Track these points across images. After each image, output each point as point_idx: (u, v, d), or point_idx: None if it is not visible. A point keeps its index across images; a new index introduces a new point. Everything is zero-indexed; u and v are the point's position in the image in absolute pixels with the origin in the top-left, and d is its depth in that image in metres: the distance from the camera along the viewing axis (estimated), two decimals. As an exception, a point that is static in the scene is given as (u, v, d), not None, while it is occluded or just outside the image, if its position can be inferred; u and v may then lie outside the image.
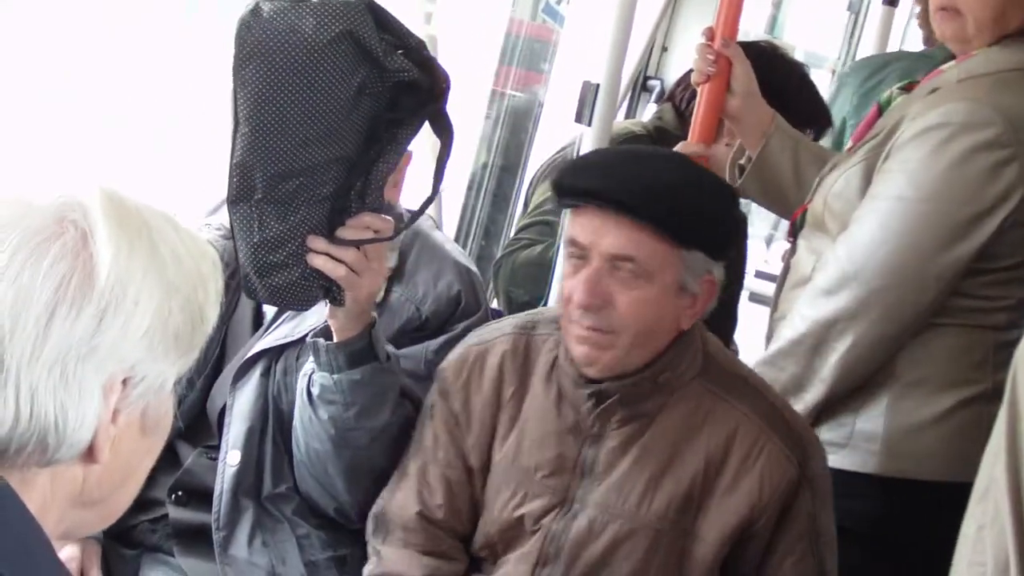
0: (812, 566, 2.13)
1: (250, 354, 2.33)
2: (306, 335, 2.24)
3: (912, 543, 2.41)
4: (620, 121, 3.50)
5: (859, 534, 2.33)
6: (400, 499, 2.22)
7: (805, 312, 2.49)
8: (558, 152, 3.20)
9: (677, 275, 2.05)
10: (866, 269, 2.41)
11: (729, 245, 2.20)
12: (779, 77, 3.02)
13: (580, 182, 2.09)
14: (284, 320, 2.35)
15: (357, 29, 1.93)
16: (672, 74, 4.60)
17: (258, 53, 1.92)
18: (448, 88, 2.02)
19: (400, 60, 1.96)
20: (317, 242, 2.02)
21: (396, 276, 2.32)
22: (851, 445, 2.46)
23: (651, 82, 4.65)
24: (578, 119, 2.79)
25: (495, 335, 2.25)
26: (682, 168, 2.19)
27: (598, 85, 2.75)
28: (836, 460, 2.40)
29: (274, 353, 2.33)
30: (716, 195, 2.15)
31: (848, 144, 2.67)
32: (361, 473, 2.25)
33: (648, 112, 4.66)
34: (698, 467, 2.10)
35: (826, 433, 2.43)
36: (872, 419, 2.48)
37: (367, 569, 2.24)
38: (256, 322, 2.43)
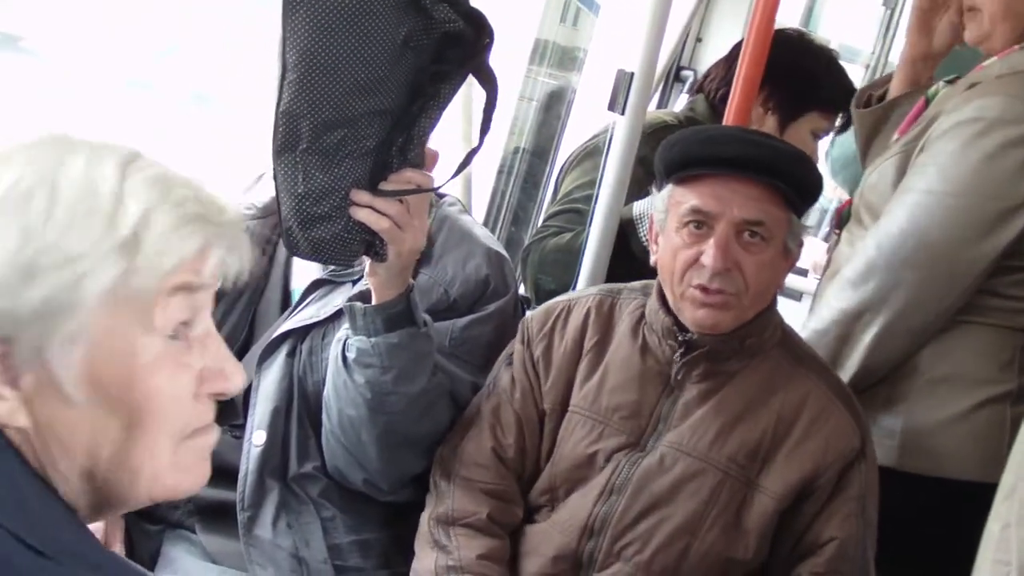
0: (858, 528, 2.19)
1: (276, 334, 2.33)
2: (332, 316, 2.25)
3: (932, 539, 2.41)
4: (652, 111, 3.49)
5: (880, 528, 2.33)
6: (474, 435, 2.30)
7: (832, 303, 2.49)
8: (590, 140, 3.19)
9: (785, 238, 2.19)
10: (894, 261, 2.41)
11: None
12: (809, 60, 3.02)
13: (715, 151, 2.16)
14: (311, 301, 2.35)
15: None
16: (706, 65, 4.59)
17: None
18: (492, 40, 2.01)
19: (446, 10, 1.95)
20: (361, 195, 2.01)
21: (424, 259, 2.31)
22: (873, 438, 2.45)
23: (684, 72, 4.64)
24: (611, 107, 2.78)
25: (580, 294, 2.41)
26: (782, 141, 2.32)
27: (632, 74, 2.75)
28: None
29: (300, 333, 2.33)
30: (815, 166, 2.27)
31: (895, 137, 2.66)
32: (395, 440, 2.25)
33: (680, 102, 4.65)
34: (769, 423, 2.20)
35: None
36: (894, 414, 2.49)
37: (428, 510, 2.29)
38: (284, 303, 2.43)
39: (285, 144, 1.97)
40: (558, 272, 2.98)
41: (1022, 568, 1.68)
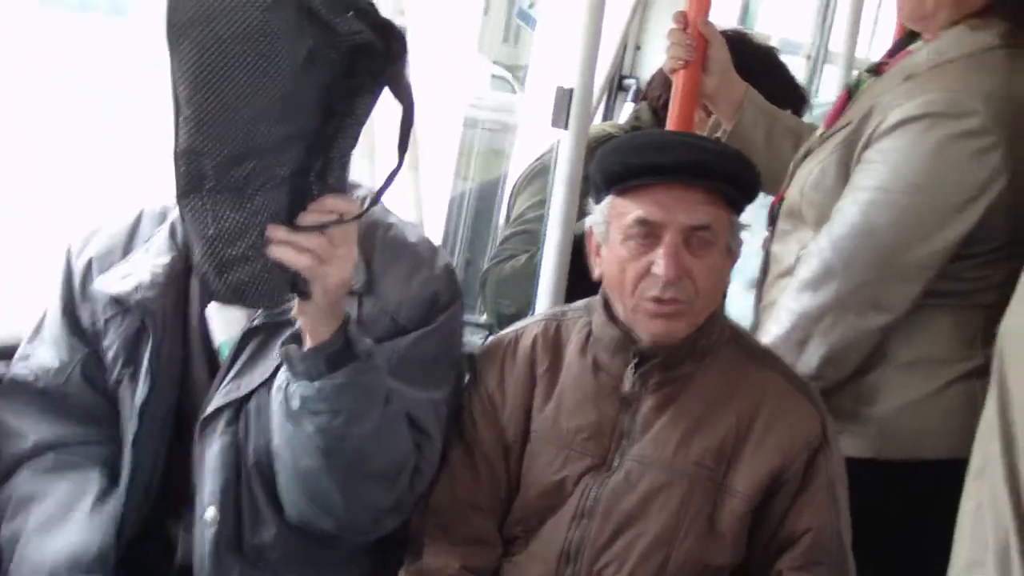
0: (831, 515, 2.19)
1: (213, 407, 2.17)
2: (277, 369, 2.09)
3: (916, 524, 2.41)
4: (597, 124, 3.50)
5: (860, 521, 2.33)
6: (444, 486, 2.26)
7: (791, 306, 2.49)
8: (537, 160, 3.19)
9: (727, 237, 2.19)
10: (851, 262, 2.41)
11: None
12: (745, 60, 3.04)
13: (655, 159, 2.15)
14: (248, 356, 2.18)
15: None
16: (648, 72, 4.59)
17: (195, 23, 1.74)
18: (406, 48, 1.86)
19: (351, 21, 1.80)
20: (277, 230, 1.85)
21: (365, 288, 2.18)
22: (848, 431, 2.45)
23: (627, 81, 4.65)
24: (554, 124, 2.78)
25: (526, 323, 2.38)
26: (717, 141, 2.32)
27: (571, 90, 2.75)
28: None
29: (240, 400, 2.17)
30: (753, 163, 2.27)
31: (820, 129, 2.67)
32: (358, 480, 2.11)
33: (626, 112, 4.66)
34: (730, 423, 2.19)
35: None
36: (868, 403, 2.49)
37: (404, 566, 2.24)
38: (211, 364, 2.25)
39: (189, 186, 1.82)
40: (517, 295, 2.98)
41: (998, 549, 1.68)
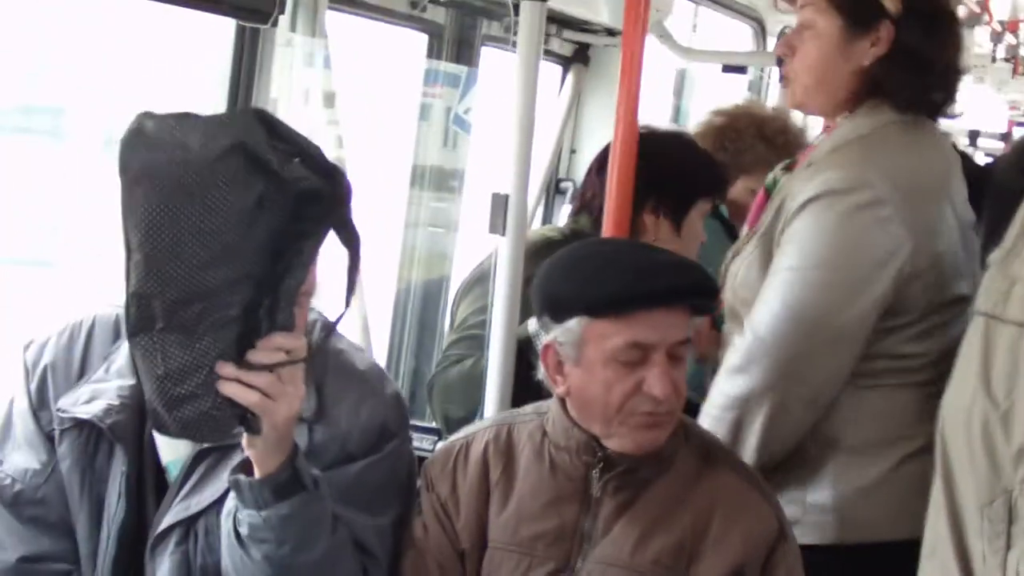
0: None
1: (164, 526, 2.17)
2: (227, 491, 2.10)
3: None
4: (536, 228, 3.52)
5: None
6: None
7: (724, 388, 2.52)
8: (477, 267, 3.21)
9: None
10: (773, 342, 2.45)
11: None
12: (678, 153, 3.08)
13: (648, 287, 2.16)
14: (200, 476, 2.19)
15: (248, 140, 1.83)
16: (584, 174, 4.66)
17: (145, 175, 1.81)
18: (350, 193, 1.94)
19: (298, 168, 1.87)
20: (226, 368, 1.89)
21: (316, 416, 2.19)
22: (804, 520, 2.47)
23: (564, 184, 4.71)
24: (492, 230, 2.79)
25: (476, 429, 2.36)
26: (681, 257, 2.37)
27: (507, 196, 2.76)
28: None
29: (190, 519, 2.17)
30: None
31: (744, 229, 2.73)
32: None
33: (564, 212, 4.70)
34: (687, 521, 2.20)
35: None
36: (821, 490, 2.51)
37: None
38: (159, 483, 2.25)
39: (139, 325, 1.87)
40: (464, 399, 2.98)
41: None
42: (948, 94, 2.58)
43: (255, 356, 1.91)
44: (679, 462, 2.25)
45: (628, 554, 2.18)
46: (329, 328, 2.04)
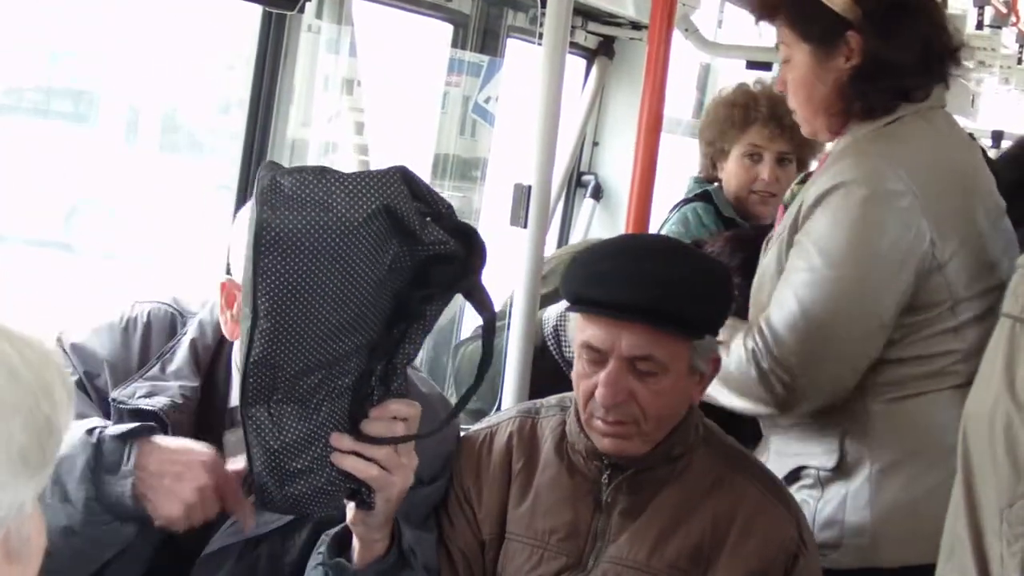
0: None
1: (215, 548, 2.07)
2: (292, 520, 2.02)
3: None
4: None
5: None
6: None
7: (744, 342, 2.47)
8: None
9: (689, 361, 2.16)
10: (792, 339, 2.40)
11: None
12: None
13: (594, 294, 2.14)
14: None
15: (394, 202, 1.68)
16: (606, 168, 4.64)
17: (285, 238, 1.66)
18: (485, 258, 1.77)
19: (435, 231, 1.71)
20: (343, 441, 1.78)
21: None
22: (844, 544, 2.44)
23: (586, 177, 4.70)
24: (513, 222, 2.78)
25: (502, 418, 2.37)
26: (688, 257, 2.25)
27: (529, 187, 2.75)
28: (832, 561, 2.39)
29: (251, 541, 2.08)
30: (722, 280, 2.24)
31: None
32: None
33: (585, 207, 4.70)
34: (706, 524, 2.19)
35: (816, 535, 2.37)
36: (859, 511, 2.45)
37: None
38: None
39: (257, 395, 1.74)
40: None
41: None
42: (935, 76, 2.52)
43: (372, 428, 1.81)
44: (697, 464, 2.23)
45: (645, 555, 2.17)
46: (458, 406, 1.92)
